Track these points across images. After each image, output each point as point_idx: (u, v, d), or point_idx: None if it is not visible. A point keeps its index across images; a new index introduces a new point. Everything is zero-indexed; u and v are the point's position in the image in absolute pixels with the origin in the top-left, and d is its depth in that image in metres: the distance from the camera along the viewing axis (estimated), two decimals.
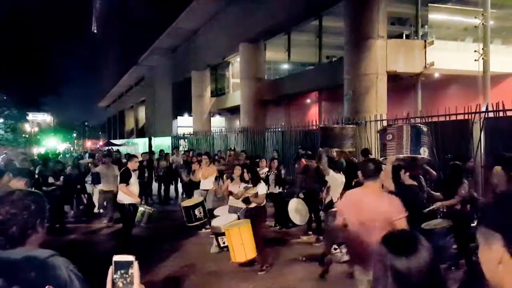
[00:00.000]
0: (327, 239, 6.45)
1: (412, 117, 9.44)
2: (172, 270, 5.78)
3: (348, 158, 7.44)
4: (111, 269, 1.19)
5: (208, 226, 7.72)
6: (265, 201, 5.93)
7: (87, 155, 18.61)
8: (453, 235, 4.93)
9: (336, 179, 5.99)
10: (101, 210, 10.27)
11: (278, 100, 18.83)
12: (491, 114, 7.77)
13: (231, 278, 5.43)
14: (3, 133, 33.33)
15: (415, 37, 12.89)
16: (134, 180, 6.52)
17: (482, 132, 7.80)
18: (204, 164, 8.58)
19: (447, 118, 8.52)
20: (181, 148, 18.69)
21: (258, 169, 7.77)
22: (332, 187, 6.06)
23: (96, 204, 10.26)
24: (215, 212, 6.90)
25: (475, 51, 11.76)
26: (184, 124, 27.13)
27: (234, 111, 22.71)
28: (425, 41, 12.18)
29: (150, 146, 23.92)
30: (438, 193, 5.62)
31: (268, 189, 7.71)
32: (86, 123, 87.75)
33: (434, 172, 7.06)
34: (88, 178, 10.51)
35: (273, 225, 8.19)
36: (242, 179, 6.05)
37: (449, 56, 11.98)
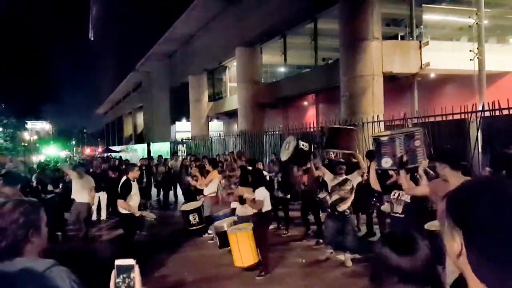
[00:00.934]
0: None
1: (409, 118, 9.49)
2: (172, 275, 5.79)
3: (348, 159, 7.43)
4: (113, 273, 1.21)
5: (210, 232, 7.72)
6: (269, 206, 5.84)
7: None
8: None
9: (332, 178, 5.98)
10: (102, 217, 10.28)
11: (275, 103, 18.86)
12: (487, 113, 7.81)
13: (232, 283, 5.43)
14: (3, 141, 33.28)
15: (410, 38, 12.95)
16: (135, 191, 6.25)
17: (479, 131, 7.84)
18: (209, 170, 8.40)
19: (444, 118, 8.56)
20: (179, 153, 18.69)
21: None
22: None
23: (94, 212, 10.25)
24: (215, 214, 6.92)
25: (470, 50, 11.83)
26: (182, 129, 27.16)
27: (232, 115, 22.74)
28: (420, 41, 12.24)
29: (148, 151, 23.91)
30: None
31: (274, 192, 7.73)
32: (84, 130, 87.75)
33: (432, 172, 7.10)
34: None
35: (276, 228, 8.17)
36: (247, 183, 6.05)
37: (444, 56, 12.04)
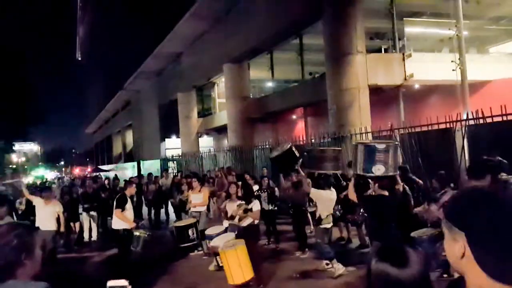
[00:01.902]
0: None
1: (396, 128, 9.65)
2: None
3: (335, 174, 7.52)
4: None
5: (200, 248, 7.68)
6: (258, 219, 5.98)
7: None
8: (442, 242, 5.01)
9: (321, 195, 6.03)
10: (92, 238, 10.14)
11: (264, 117, 18.99)
12: (471, 122, 8.00)
13: None
14: None
15: (394, 51, 13.25)
16: (129, 206, 6.50)
17: (465, 139, 8.01)
18: (195, 187, 8.41)
19: (430, 128, 8.73)
20: (170, 170, 18.61)
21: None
22: (319, 204, 6.10)
23: (86, 232, 10.12)
24: (207, 232, 6.89)
25: (452, 61, 12.13)
26: (172, 146, 27.06)
27: (221, 130, 22.79)
28: (403, 54, 12.53)
29: (139, 169, 23.75)
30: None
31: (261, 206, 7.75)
32: (73, 150, 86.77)
33: (420, 181, 7.21)
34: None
35: (266, 243, 8.17)
36: (238, 197, 6.13)
37: (427, 67, 12.33)
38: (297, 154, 5.89)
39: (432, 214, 5.40)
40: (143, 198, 12.66)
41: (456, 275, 1.18)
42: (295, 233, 7.81)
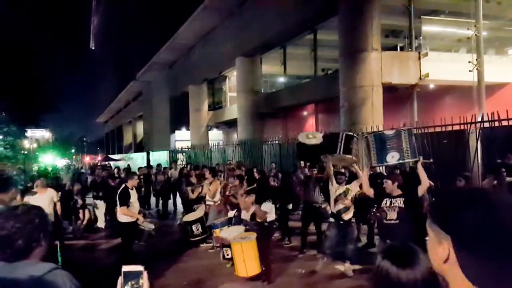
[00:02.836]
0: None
1: (409, 128, 9.50)
2: (171, 285, 5.73)
3: (348, 168, 7.42)
4: (120, 280, 1.19)
5: (209, 240, 7.66)
6: (274, 216, 5.89)
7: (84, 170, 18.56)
8: None
9: (337, 187, 5.96)
10: (99, 225, 10.23)
11: (275, 112, 18.92)
12: (486, 124, 7.84)
13: None
14: (3, 149, 33.25)
15: (409, 49, 13.04)
16: (134, 199, 6.35)
17: (479, 142, 7.85)
18: (207, 181, 8.38)
19: (443, 129, 8.58)
20: (179, 162, 18.68)
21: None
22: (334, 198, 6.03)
23: (99, 218, 10.23)
24: (212, 223, 6.89)
25: (469, 61, 11.90)
26: (182, 138, 27.19)
27: (231, 124, 22.79)
28: (419, 52, 12.32)
29: (148, 160, 23.93)
30: None
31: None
32: (84, 139, 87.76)
33: (431, 182, 7.09)
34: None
35: (279, 239, 8.11)
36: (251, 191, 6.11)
37: (443, 67, 12.11)
38: (314, 141, 5.63)
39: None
40: (151, 189, 12.74)
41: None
42: (302, 230, 7.72)
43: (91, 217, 10.22)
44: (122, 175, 12.60)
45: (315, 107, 18.23)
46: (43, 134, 73.32)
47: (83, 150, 78.48)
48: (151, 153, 26.19)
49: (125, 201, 6.16)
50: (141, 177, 11.31)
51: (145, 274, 1.21)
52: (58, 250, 6.12)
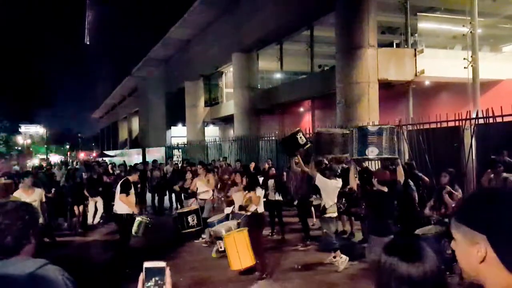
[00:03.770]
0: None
1: (404, 124, 9.55)
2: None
3: (340, 164, 7.47)
4: (141, 276, 1.16)
5: (204, 236, 7.71)
6: (262, 208, 5.93)
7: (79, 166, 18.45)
8: (446, 240, 4.98)
9: (327, 184, 5.98)
10: (95, 222, 10.20)
11: (271, 108, 18.92)
12: (481, 121, 7.90)
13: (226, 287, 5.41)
14: None
15: (405, 46, 13.09)
16: (132, 192, 6.57)
17: (473, 138, 7.92)
18: (201, 174, 8.45)
19: (439, 125, 8.64)
20: (175, 159, 18.66)
21: None
22: (324, 193, 6.06)
23: (90, 216, 10.18)
24: (208, 220, 6.91)
25: (464, 58, 11.95)
26: (178, 134, 27.11)
27: (228, 120, 22.77)
28: (415, 49, 12.37)
29: (144, 156, 23.86)
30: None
31: (268, 196, 7.75)
32: (79, 135, 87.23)
33: (426, 178, 7.15)
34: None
35: (270, 234, 8.16)
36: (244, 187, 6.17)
37: (439, 64, 12.16)
38: (301, 142, 5.93)
39: None
40: (147, 185, 12.71)
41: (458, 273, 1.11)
42: (302, 225, 7.80)
43: (86, 213, 10.19)
44: (117, 172, 12.57)
45: (312, 104, 18.25)
46: (37, 130, 72.75)
47: (78, 146, 78.02)
48: (147, 149, 26.13)
49: (127, 189, 6.33)
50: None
51: (167, 271, 1.18)
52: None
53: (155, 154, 22.59)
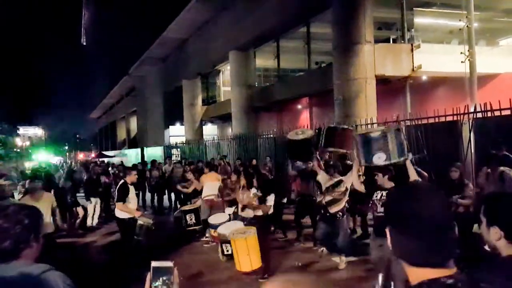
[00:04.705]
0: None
1: (402, 120, 9.56)
2: None
3: (341, 160, 7.47)
4: (149, 276, 1.15)
5: (207, 236, 7.70)
6: (272, 210, 5.87)
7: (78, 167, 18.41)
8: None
9: (328, 181, 5.97)
10: (93, 223, 10.19)
11: (269, 106, 18.91)
12: (479, 115, 7.90)
13: (229, 287, 5.42)
14: None
15: (402, 41, 13.07)
16: (132, 195, 6.35)
17: (472, 132, 7.92)
18: (206, 173, 8.47)
19: (437, 120, 8.64)
20: (173, 158, 18.65)
21: None
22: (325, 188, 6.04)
23: (89, 217, 10.18)
24: (210, 221, 6.89)
25: (461, 53, 11.95)
26: (176, 133, 27.11)
27: (226, 118, 22.75)
28: (411, 44, 12.35)
29: (142, 156, 23.84)
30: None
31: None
32: (77, 135, 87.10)
33: (425, 173, 7.16)
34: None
35: (272, 232, 8.16)
36: (250, 186, 6.09)
37: (435, 59, 12.16)
38: (318, 141, 5.73)
39: None
40: (146, 184, 12.72)
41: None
42: (295, 223, 7.76)
43: (85, 214, 10.19)
44: (115, 171, 12.57)
45: (309, 100, 18.25)
46: (36, 131, 72.60)
47: (77, 147, 77.90)
48: (145, 149, 26.09)
49: (123, 197, 6.15)
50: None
51: (175, 271, 1.18)
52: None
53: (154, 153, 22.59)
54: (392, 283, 2.93)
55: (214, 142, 18.52)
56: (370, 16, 11.50)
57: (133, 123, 40.64)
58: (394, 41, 14.44)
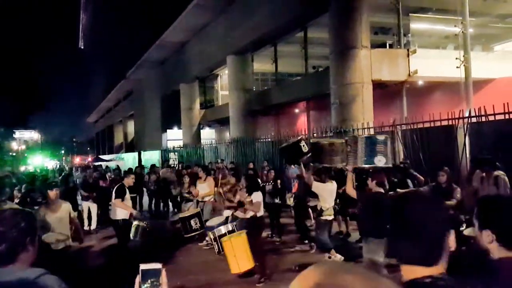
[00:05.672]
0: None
1: (398, 124, 9.64)
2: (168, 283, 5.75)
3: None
4: (138, 279, 1.16)
5: (207, 239, 7.72)
6: (262, 211, 5.91)
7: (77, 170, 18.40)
8: None
9: (324, 188, 6.03)
10: (92, 227, 10.17)
11: (267, 110, 18.98)
12: (474, 119, 7.99)
13: None
14: None
15: (398, 46, 13.18)
16: (127, 197, 6.54)
17: (467, 137, 8.01)
18: (201, 177, 8.51)
19: (432, 124, 8.72)
20: (171, 162, 18.65)
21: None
22: (321, 198, 6.12)
23: (86, 221, 10.15)
24: (208, 224, 6.92)
25: (456, 58, 12.07)
26: (174, 137, 27.10)
27: (223, 122, 22.79)
28: (408, 49, 12.46)
29: (139, 160, 23.81)
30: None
31: (265, 199, 7.76)
32: (74, 139, 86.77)
33: (421, 177, 7.23)
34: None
35: (270, 236, 8.19)
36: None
37: (431, 64, 12.27)
38: (304, 150, 5.80)
39: None
40: (144, 189, 12.71)
41: None
42: (297, 226, 7.83)
43: (82, 218, 10.15)
44: (112, 176, 12.55)
45: (307, 105, 18.32)
46: (32, 135, 72.29)
47: (73, 150, 77.58)
48: (142, 153, 26.06)
49: (121, 194, 6.27)
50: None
51: (163, 272, 1.19)
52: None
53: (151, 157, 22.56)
54: None
55: (212, 146, 18.55)
56: (366, 21, 11.61)
57: (131, 126, 40.58)
58: (391, 46, 14.56)
